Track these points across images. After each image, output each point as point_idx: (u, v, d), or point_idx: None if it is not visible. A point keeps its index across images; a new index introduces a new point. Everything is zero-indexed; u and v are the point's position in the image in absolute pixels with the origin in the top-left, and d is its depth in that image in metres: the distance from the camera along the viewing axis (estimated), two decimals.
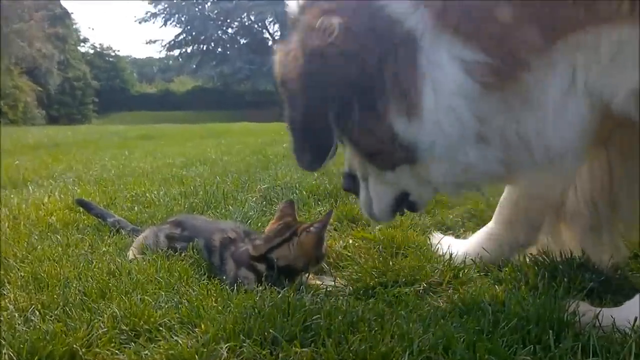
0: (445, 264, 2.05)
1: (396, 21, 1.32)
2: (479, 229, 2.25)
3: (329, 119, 1.42)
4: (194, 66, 39.11)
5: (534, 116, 1.34)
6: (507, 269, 2.00)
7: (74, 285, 1.95)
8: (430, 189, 1.60)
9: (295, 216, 2.10)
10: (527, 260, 2.01)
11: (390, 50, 1.33)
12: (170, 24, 36.66)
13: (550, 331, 1.43)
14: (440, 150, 1.38)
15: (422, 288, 1.91)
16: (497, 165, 1.41)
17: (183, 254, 2.23)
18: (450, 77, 1.29)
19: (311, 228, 1.97)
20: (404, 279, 1.95)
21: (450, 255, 2.10)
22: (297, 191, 3.58)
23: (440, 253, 2.16)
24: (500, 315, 1.55)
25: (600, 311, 1.53)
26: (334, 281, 1.99)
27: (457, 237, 2.56)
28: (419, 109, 1.32)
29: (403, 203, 1.69)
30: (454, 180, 1.47)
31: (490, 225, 2.14)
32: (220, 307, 1.70)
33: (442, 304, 1.78)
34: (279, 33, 38.17)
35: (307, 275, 1.98)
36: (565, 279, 1.81)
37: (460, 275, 1.99)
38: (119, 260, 2.25)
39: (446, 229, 2.72)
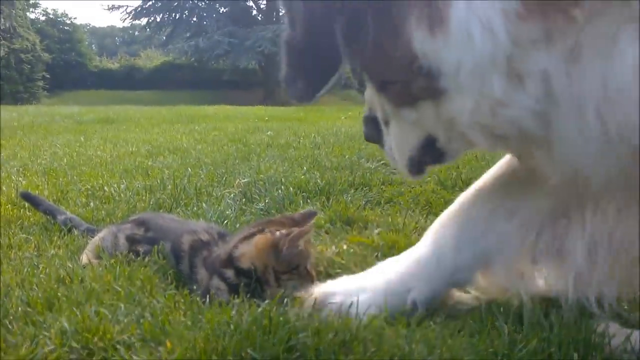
0: None
1: None
2: None
3: (336, 34, 1.35)
4: (164, 38, 38.82)
5: (593, 68, 1.20)
6: None
7: (16, 293, 1.94)
8: (458, 134, 1.46)
9: (297, 219, 2.09)
10: None
11: None
12: None
13: (575, 354, 1.44)
14: (467, 75, 1.27)
15: None
16: (530, 118, 1.28)
17: (146, 259, 2.22)
18: None
19: (277, 232, 1.97)
20: None
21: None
22: (282, 186, 3.58)
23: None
24: (518, 335, 1.56)
25: (632, 333, 1.54)
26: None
27: None
28: (445, 21, 1.23)
29: (429, 151, 1.58)
30: (481, 123, 1.35)
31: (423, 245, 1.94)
32: (189, 322, 1.69)
33: (450, 322, 1.78)
34: (264, 2, 38.06)
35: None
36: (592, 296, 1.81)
37: None
38: (70, 265, 2.23)
39: None
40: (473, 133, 1.39)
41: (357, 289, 1.86)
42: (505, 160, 1.85)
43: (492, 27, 1.19)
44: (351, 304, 1.76)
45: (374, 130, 1.68)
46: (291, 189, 3.52)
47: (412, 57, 1.29)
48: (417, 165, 1.62)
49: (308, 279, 1.99)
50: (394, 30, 1.29)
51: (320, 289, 1.91)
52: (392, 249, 2.37)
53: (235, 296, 1.86)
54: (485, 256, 1.81)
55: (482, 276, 1.87)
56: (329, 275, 2.19)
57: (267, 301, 1.77)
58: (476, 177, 3.77)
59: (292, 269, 1.96)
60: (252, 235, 2.01)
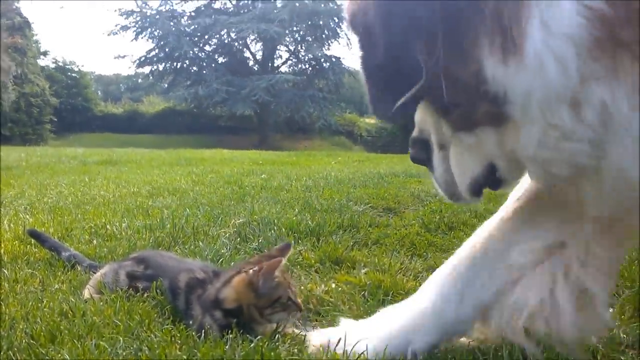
0: None
1: None
2: None
3: (416, 51, 1.31)
4: (166, 85, 39.14)
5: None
6: None
7: (21, 326, 1.93)
8: (517, 163, 1.43)
9: (275, 255, 2.07)
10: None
11: None
12: (142, 38, 36.68)
13: None
14: (536, 105, 1.25)
15: None
16: (587, 148, 1.28)
17: (145, 295, 2.21)
18: (565, 15, 1.19)
19: (250, 270, 1.96)
20: None
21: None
22: (275, 227, 3.58)
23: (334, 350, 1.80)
24: None
25: None
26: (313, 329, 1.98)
27: None
28: (520, 51, 1.21)
29: (490, 178, 1.52)
30: (544, 154, 1.32)
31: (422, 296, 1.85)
32: (185, 356, 1.68)
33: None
34: (261, 53, 38.48)
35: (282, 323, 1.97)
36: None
37: None
38: (72, 299, 2.22)
39: None
40: (533, 164, 1.38)
41: (361, 338, 1.78)
42: (499, 216, 1.83)
43: (565, 63, 1.20)
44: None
45: (422, 153, 1.62)
46: (283, 229, 3.52)
47: (481, 82, 1.27)
48: (476, 189, 1.55)
49: (294, 308, 1.98)
50: (464, 54, 1.27)
51: (322, 336, 1.86)
52: (379, 288, 2.36)
53: (229, 331, 1.85)
54: (484, 308, 1.75)
55: (479, 325, 1.82)
56: (318, 313, 2.18)
57: (258, 337, 1.76)
58: (457, 221, 3.80)
59: (274, 301, 1.94)
60: (232, 277, 2.01)
